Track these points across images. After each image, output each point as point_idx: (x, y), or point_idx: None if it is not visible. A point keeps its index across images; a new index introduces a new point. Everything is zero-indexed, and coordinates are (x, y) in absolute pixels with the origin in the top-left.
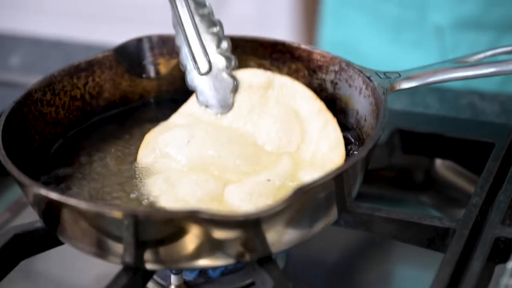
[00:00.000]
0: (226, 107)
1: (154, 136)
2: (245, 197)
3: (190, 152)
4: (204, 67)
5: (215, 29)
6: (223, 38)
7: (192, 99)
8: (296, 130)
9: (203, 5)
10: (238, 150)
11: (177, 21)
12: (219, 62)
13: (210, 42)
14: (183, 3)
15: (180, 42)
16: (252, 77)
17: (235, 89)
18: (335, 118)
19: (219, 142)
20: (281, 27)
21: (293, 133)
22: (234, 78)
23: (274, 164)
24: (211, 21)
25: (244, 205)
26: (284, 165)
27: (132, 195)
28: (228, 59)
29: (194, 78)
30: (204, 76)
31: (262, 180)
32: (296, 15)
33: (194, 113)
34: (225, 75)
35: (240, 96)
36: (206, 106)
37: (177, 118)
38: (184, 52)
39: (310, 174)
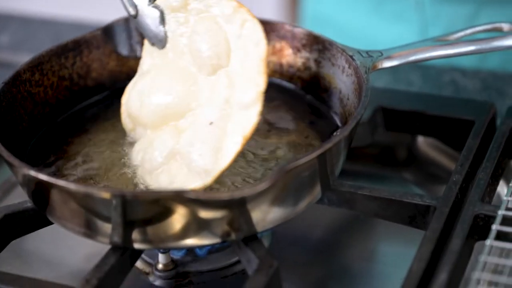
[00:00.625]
0: (162, 39)
1: (125, 99)
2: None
3: (147, 111)
4: (132, 10)
5: None
6: None
7: (145, 49)
8: (222, 42)
9: None
10: (182, 90)
11: None
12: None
13: None
14: None
15: None
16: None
17: (162, 18)
18: (254, 17)
19: (166, 87)
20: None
21: (221, 47)
22: (157, 8)
23: (213, 91)
24: None
25: (197, 158)
26: (221, 92)
27: (121, 171)
28: None
29: (135, 23)
30: (139, 18)
31: (204, 123)
32: None
33: (151, 58)
34: (150, 9)
35: (169, 24)
36: (152, 43)
37: (140, 69)
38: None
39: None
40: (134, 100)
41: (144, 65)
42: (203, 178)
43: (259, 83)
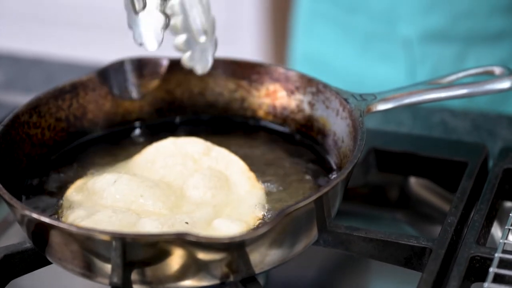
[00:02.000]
0: (157, 43)
1: (85, 181)
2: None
3: (115, 190)
4: (139, 6)
5: None
6: None
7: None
8: (223, 189)
9: None
10: (160, 194)
11: None
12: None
13: None
14: None
15: None
16: (191, 145)
17: (166, 26)
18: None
19: (144, 185)
20: (247, 38)
21: (220, 191)
22: (166, 15)
23: (194, 211)
24: None
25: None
26: (203, 212)
27: None
28: None
29: (131, 18)
30: (139, 15)
31: (179, 220)
32: (263, 27)
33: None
34: (158, 12)
35: (174, 159)
36: (140, 43)
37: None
38: None
39: (225, 223)
40: (102, 180)
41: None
42: None
43: (247, 220)
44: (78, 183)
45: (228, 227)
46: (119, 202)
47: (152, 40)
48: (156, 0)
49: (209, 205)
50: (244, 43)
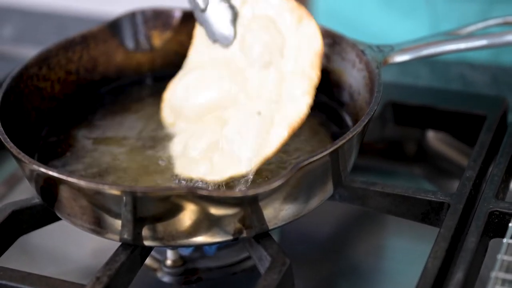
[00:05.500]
0: (230, 37)
1: (169, 94)
2: (237, 138)
3: (192, 104)
4: (202, 3)
5: None
6: None
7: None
8: (275, 38)
9: None
10: (230, 85)
11: None
12: None
13: None
14: None
15: None
16: None
17: (235, 18)
18: (310, 15)
19: (214, 82)
20: None
21: (273, 44)
22: (232, 7)
23: (262, 85)
24: None
25: (241, 145)
26: (271, 86)
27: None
28: None
29: (199, 16)
30: (207, 12)
31: (251, 114)
32: None
33: (198, 55)
34: (223, 6)
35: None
36: (214, 40)
37: (186, 65)
38: None
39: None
40: (179, 94)
41: (191, 62)
42: (245, 166)
43: (312, 76)
44: (164, 97)
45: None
46: (200, 113)
47: (225, 36)
48: None
49: (273, 67)
50: None
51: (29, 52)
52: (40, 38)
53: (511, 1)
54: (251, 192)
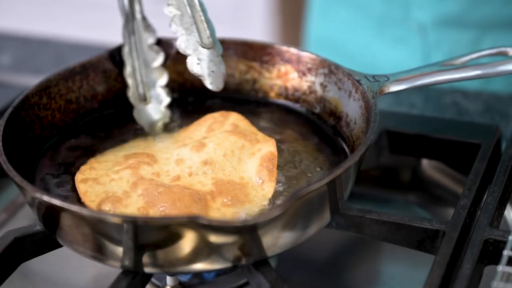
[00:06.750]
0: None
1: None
2: None
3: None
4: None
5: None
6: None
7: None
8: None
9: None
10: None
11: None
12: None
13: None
14: None
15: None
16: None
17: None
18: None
19: None
20: (258, 21)
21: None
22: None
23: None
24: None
25: None
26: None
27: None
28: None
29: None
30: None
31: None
32: (274, 8)
33: None
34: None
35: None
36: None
37: None
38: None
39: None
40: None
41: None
42: None
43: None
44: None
45: None
46: None
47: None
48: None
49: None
50: (255, 25)
51: (27, 80)
52: (38, 66)
53: (501, 31)
54: (251, 222)
